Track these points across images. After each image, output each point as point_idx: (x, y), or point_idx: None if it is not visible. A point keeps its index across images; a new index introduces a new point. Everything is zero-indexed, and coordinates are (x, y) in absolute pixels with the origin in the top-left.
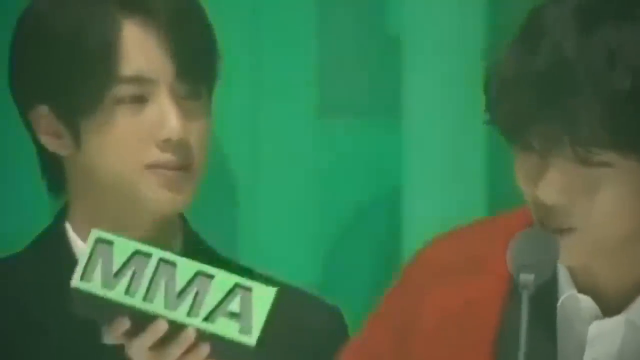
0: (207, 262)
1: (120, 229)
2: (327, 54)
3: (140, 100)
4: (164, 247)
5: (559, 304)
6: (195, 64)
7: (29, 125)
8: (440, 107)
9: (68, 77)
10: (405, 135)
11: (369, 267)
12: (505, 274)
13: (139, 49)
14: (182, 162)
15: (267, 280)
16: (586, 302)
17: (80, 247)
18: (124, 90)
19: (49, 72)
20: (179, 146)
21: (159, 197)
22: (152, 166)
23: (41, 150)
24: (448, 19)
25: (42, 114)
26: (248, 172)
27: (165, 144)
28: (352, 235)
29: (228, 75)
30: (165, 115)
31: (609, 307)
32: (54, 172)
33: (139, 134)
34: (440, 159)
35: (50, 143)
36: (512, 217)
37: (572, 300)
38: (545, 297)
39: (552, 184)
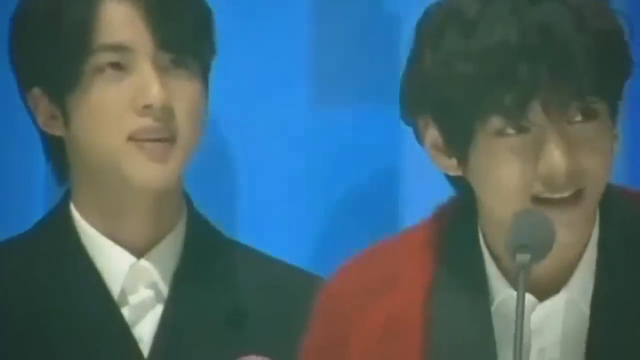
0: (211, 243)
1: (120, 210)
2: (324, 38)
3: (120, 68)
4: (168, 229)
5: (493, 307)
6: (179, 35)
7: (30, 112)
8: None
9: (51, 53)
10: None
11: None
12: (420, 284)
13: (120, 20)
14: (165, 132)
15: (269, 259)
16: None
17: (84, 228)
18: (103, 58)
19: (37, 52)
20: (162, 113)
21: (143, 169)
22: (134, 135)
23: (43, 135)
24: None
25: (37, 95)
26: (245, 158)
27: (146, 111)
28: (349, 222)
29: (223, 62)
30: (146, 82)
31: (547, 289)
32: (57, 156)
33: (120, 103)
34: None
35: (47, 125)
36: (416, 231)
37: (506, 303)
38: (477, 300)
39: (558, 150)
